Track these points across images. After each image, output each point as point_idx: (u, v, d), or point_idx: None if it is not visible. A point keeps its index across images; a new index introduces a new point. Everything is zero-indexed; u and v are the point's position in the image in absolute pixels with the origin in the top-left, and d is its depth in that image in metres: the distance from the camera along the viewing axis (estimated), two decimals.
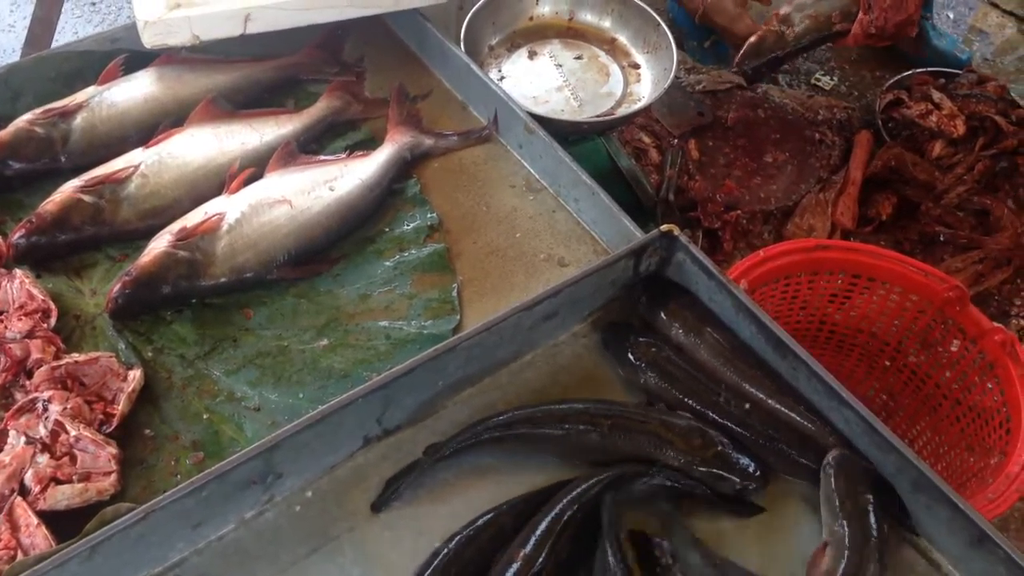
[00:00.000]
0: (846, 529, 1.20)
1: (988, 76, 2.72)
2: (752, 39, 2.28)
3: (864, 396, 1.99)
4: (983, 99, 2.56)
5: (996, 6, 3.30)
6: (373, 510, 1.25)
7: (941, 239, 2.44)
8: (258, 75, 1.77)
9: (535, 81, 1.98)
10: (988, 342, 1.70)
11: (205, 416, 1.35)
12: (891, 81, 2.76)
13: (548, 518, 1.18)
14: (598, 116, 1.91)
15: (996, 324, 1.73)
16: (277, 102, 1.76)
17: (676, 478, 1.26)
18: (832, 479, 1.25)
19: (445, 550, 1.17)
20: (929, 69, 2.78)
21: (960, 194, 2.44)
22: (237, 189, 1.53)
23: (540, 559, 1.15)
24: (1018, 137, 2.49)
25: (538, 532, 1.17)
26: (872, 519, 1.21)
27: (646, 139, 2.45)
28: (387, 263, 1.55)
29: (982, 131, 2.53)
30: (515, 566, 1.14)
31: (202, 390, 1.37)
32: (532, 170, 1.70)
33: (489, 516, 1.21)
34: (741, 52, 2.31)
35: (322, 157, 1.64)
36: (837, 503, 1.23)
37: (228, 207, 1.49)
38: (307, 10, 1.68)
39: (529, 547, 1.16)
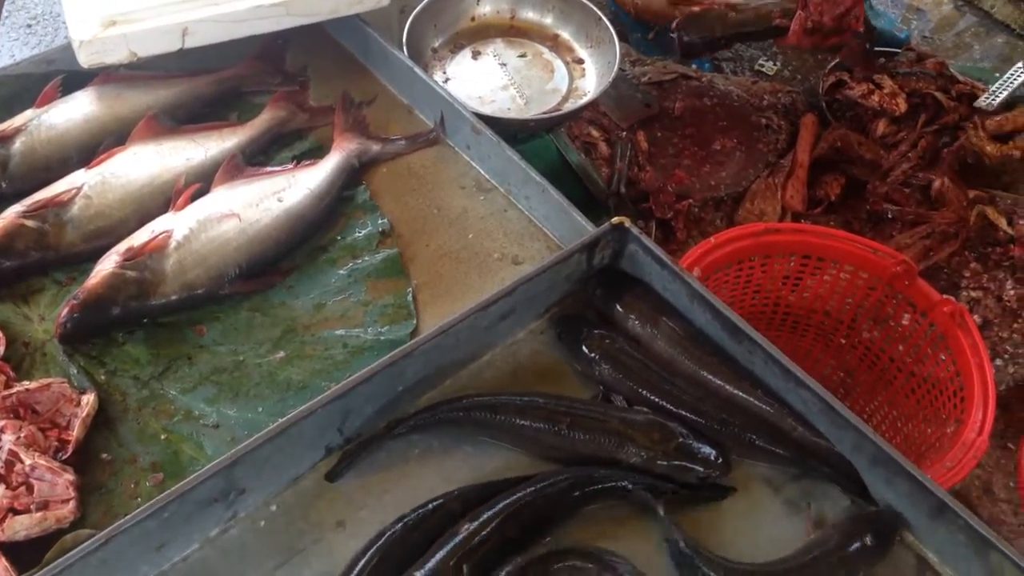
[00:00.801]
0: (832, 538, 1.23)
1: (927, 53, 2.77)
2: (696, 8, 2.31)
3: (821, 375, 2.02)
4: (923, 76, 2.61)
5: None
6: (328, 479, 1.27)
7: (889, 216, 2.48)
8: (199, 89, 1.75)
9: (480, 81, 1.98)
10: (938, 314, 1.73)
11: (163, 436, 1.33)
12: (833, 63, 2.80)
13: (504, 502, 1.19)
14: (545, 113, 1.92)
15: (945, 296, 1.76)
16: (220, 116, 1.74)
17: (642, 481, 1.26)
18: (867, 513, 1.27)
19: (391, 531, 1.18)
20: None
21: (905, 171, 2.48)
22: (184, 205, 1.51)
23: (484, 532, 1.16)
24: (958, 112, 2.54)
25: (490, 512, 1.18)
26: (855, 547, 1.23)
27: (595, 133, 2.47)
28: (341, 271, 1.55)
29: (923, 108, 2.58)
30: (459, 537, 1.16)
31: (158, 410, 1.36)
32: (481, 170, 1.70)
33: (439, 501, 1.22)
34: (681, 19, 2.33)
35: (269, 168, 1.63)
36: (847, 523, 1.25)
37: (175, 224, 1.48)
38: (245, 21, 1.67)
39: (476, 523, 1.17)
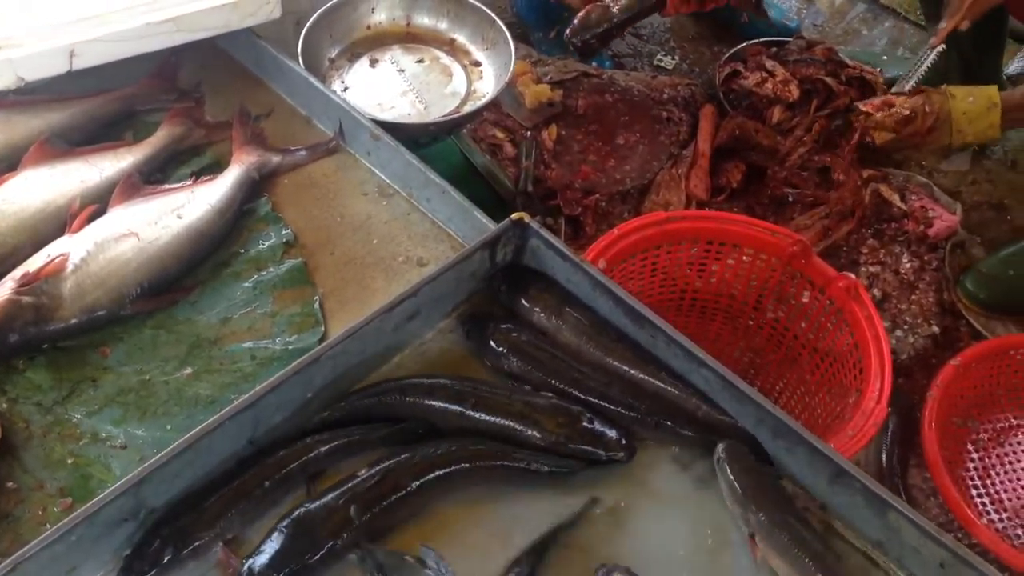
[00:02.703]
0: (763, 518, 1.24)
1: (816, 40, 2.86)
2: (580, 13, 2.34)
3: (731, 357, 2.08)
4: (812, 62, 2.69)
5: None
6: None
7: (790, 199, 2.55)
8: (93, 111, 1.73)
9: (379, 88, 1.99)
10: (834, 289, 1.79)
11: (70, 461, 1.31)
12: (727, 55, 2.88)
13: (402, 457, 1.25)
14: (444, 116, 1.94)
15: (842, 272, 1.82)
16: (115, 136, 1.72)
17: (549, 463, 1.29)
18: (728, 471, 1.29)
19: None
20: (761, 39, 2.91)
21: (802, 155, 2.56)
22: (80, 228, 1.49)
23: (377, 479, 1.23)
24: (849, 95, 2.63)
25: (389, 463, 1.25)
26: (782, 499, 1.27)
27: (499, 134, 2.50)
28: (245, 284, 1.54)
29: (815, 93, 2.66)
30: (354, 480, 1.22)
31: (64, 435, 1.34)
32: (383, 176, 1.71)
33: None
34: (570, 27, 2.36)
35: (167, 186, 1.62)
36: (741, 492, 1.27)
37: (72, 246, 1.45)
38: (134, 40, 1.65)
39: (373, 470, 1.23)
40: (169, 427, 1.35)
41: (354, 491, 1.21)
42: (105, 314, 1.45)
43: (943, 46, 2.47)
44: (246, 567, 1.15)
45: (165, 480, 1.18)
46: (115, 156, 1.64)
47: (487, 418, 1.30)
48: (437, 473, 1.24)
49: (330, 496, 1.21)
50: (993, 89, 2.25)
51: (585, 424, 1.30)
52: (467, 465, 1.26)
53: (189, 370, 1.42)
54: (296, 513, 1.19)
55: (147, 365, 1.42)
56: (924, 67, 2.45)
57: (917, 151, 2.35)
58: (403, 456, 1.25)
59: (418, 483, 1.22)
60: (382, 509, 1.20)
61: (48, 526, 1.24)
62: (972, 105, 2.23)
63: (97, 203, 1.55)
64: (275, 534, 1.18)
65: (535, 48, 3.03)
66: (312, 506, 1.20)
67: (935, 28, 2.43)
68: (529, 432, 1.29)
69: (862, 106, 2.33)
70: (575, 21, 2.33)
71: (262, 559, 1.15)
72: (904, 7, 3.52)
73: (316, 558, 1.16)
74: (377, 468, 1.23)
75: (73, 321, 1.42)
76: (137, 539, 1.19)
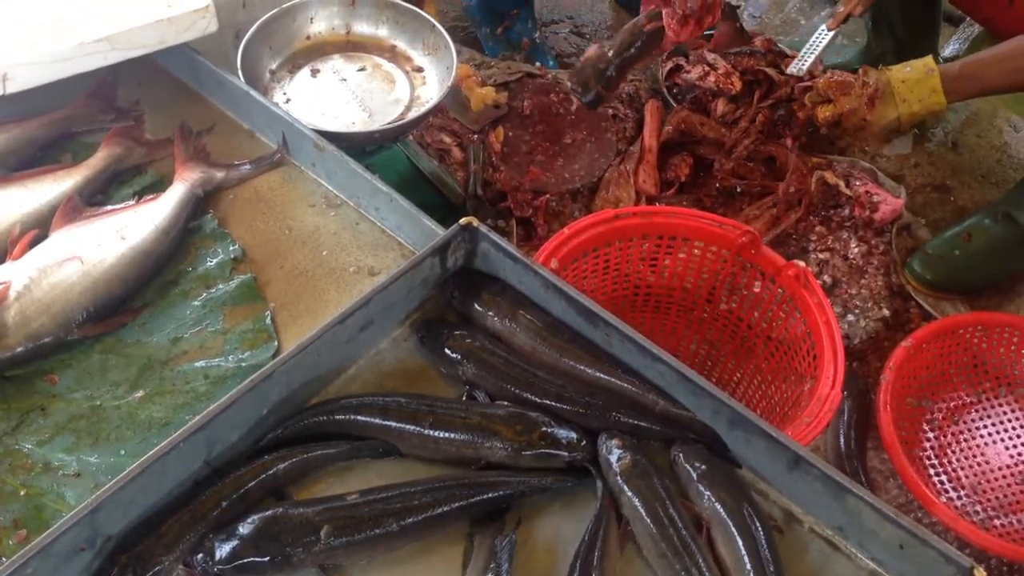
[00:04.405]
0: (718, 506, 1.26)
1: (754, 32, 2.89)
2: (575, 67, 2.27)
3: (687, 349, 2.09)
4: (753, 54, 2.72)
5: None
6: None
7: (738, 191, 2.58)
8: (29, 134, 1.69)
9: (322, 98, 1.98)
10: (784, 278, 1.81)
11: (22, 492, 1.28)
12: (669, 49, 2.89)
13: (399, 491, 1.23)
14: (389, 123, 1.93)
15: (790, 260, 1.84)
16: (53, 159, 1.69)
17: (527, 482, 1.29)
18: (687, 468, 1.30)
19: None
20: (702, 34, 2.92)
21: (747, 146, 2.58)
22: (21, 254, 1.46)
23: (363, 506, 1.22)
24: (790, 85, 2.66)
25: (381, 493, 1.23)
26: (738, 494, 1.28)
27: (447, 139, 2.49)
28: (195, 303, 1.52)
29: (757, 84, 2.69)
30: (339, 502, 1.21)
31: (15, 466, 1.31)
32: (329, 186, 1.70)
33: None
34: (572, 87, 2.26)
35: (109, 207, 1.59)
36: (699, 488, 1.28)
37: (13, 273, 1.42)
38: (68, 60, 1.62)
39: (360, 497, 1.22)
40: (123, 452, 1.33)
41: (334, 512, 1.19)
42: (51, 340, 1.42)
43: (837, 31, 2.52)
44: (207, 544, 1.16)
45: (121, 506, 1.16)
46: (54, 179, 1.61)
47: (446, 435, 1.29)
48: (427, 515, 1.22)
49: (309, 509, 1.20)
50: (928, 57, 2.29)
51: (545, 429, 1.29)
52: (461, 503, 1.24)
53: (141, 393, 1.40)
54: (272, 512, 1.19)
55: (97, 390, 1.40)
56: (820, 49, 2.49)
57: (866, 131, 2.34)
58: (394, 491, 1.23)
59: (399, 524, 1.20)
60: (354, 540, 1.18)
61: (3, 559, 1.21)
62: (910, 73, 2.25)
63: (38, 228, 1.52)
64: (244, 524, 1.17)
65: (482, 44, 3.03)
66: (291, 510, 1.19)
67: (833, 10, 2.49)
68: (489, 444, 1.28)
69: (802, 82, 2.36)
70: (571, 78, 2.25)
71: (224, 546, 1.16)
72: None
73: (273, 561, 1.15)
74: (367, 498, 1.21)
75: (19, 349, 1.39)
76: (95, 568, 1.17)
